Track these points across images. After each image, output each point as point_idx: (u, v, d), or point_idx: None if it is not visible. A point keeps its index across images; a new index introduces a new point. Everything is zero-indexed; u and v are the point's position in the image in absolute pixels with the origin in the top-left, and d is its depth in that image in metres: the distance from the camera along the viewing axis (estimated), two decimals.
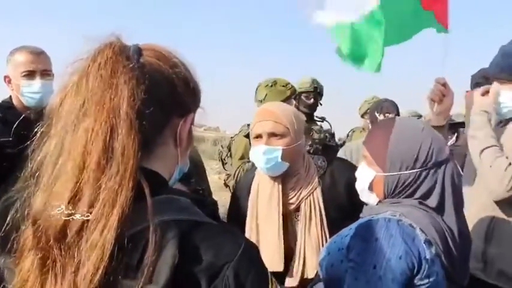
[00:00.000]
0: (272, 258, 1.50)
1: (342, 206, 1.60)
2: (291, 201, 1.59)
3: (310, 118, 3.73)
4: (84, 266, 0.59)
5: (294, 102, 3.16)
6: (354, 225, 1.22)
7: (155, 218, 0.61)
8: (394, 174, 1.19)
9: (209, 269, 0.62)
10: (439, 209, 1.18)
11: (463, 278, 1.22)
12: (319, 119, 3.81)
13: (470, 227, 1.55)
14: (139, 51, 0.69)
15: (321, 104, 3.78)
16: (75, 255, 0.60)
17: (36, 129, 0.69)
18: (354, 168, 1.62)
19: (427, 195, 1.18)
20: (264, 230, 1.58)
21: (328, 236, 1.51)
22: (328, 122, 3.79)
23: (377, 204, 1.27)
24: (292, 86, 3.08)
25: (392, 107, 3.29)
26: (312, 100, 3.63)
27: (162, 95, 0.70)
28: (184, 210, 0.67)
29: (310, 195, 1.58)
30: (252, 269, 0.65)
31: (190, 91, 0.76)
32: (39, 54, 2.13)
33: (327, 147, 3.32)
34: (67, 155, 0.63)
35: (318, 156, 1.73)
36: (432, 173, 1.18)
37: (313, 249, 1.51)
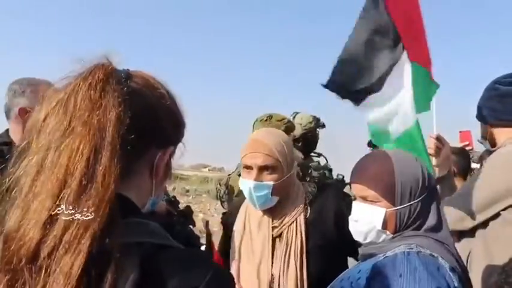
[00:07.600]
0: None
1: (327, 233, 1.53)
2: (274, 226, 1.54)
3: (306, 154, 3.73)
4: None
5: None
6: (363, 267, 1.14)
7: (118, 240, 0.59)
8: (406, 206, 1.13)
9: None
10: (441, 234, 1.14)
11: None
12: (315, 155, 3.80)
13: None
14: (129, 76, 0.69)
15: (315, 143, 3.73)
16: (45, 278, 0.57)
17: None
18: (345, 196, 1.59)
19: (429, 222, 1.15)
20: (251, 259, 1.52)
21: (305, 265, 1.46)
22: (324, 157, 3.73)
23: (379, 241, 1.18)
24: (289, 121, 3.05)
25: None
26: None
27: (144, 123, 0.68)
28: (151, 234, 0.65)
29: (293, 222, 1.52)
30: None
31: (173, 124, 0.75)
32: None
33: (327, 185, 3.28)
34: (49, 173, 0.61)
35: (310, 183, 1.66)
36: (430, 198, 1.16)
37: (291, 279, 1.45)
